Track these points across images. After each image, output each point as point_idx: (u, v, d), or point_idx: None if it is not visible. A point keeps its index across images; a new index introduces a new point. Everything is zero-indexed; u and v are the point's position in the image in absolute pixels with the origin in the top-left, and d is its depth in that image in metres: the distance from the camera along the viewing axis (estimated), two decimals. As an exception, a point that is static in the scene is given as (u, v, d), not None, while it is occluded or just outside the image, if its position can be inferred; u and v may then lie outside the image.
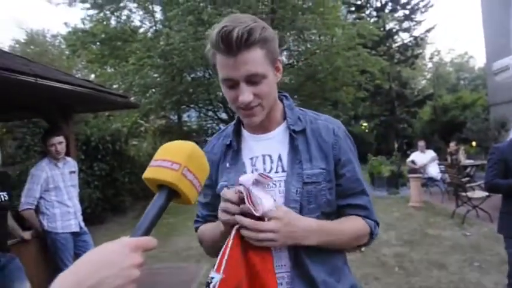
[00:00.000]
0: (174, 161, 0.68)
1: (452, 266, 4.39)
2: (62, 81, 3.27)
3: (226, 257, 0.90)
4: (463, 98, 20.00)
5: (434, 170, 9.13)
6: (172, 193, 0.68)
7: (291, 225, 0.95)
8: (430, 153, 9.47)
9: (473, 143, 13.98)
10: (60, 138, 3.42)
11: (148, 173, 0.69)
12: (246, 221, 0.92)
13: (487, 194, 6.68)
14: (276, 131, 1.11)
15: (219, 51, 0.96)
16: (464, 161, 9.77)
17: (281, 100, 1.15)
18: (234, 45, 0.92)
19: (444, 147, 12.65)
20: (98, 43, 14.75)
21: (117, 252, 0.58)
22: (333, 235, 1.03)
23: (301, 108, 1.18)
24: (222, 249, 0.92)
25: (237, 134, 1.15)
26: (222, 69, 0.98)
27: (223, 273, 0.89)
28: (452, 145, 10.07)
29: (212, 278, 0.89)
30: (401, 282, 4.01)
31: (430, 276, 4.14)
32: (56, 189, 3.39)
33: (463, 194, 6.79)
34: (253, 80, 0.97)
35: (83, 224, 3.56)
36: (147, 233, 0.63)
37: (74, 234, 3.45)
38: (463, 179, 7.29)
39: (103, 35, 14.35)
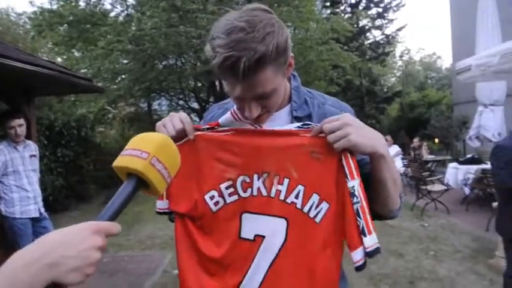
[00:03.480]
0: (143, 150, 0.68)
1: (409, 255, 4.60)
2: (24, 61, 3.14)
3: None
4: (429, 96, 20.76)
5: (397, 165, 9.47)
6: (141, 183, 0.68)
7: (358, 121, 0.88)
8: (395, 148, 9.81)
9: (436, 140, 14.57)
10: (21, 121, 3.30)
11: (118, 162, 0.69)
12: (326, 125, 0.87)
13: (445, 187, 7.03)
14: (279, 114, 1.04)
15: (227, 77, 0.89)
16: (426, 156, 10.18)
17: (288, 80, 1.07)
18: (239, 75, 0.83)
19: (409, 142, 13.11)
20: (65, 25, 14.16)
21: (79, 233, 0.58)
22: (389, 164, 0.91)
23: (310, 90, 1.12)
24: None
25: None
26: (228, 87, 0.92)
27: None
28: (416, 141, 10.47)
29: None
30: (361, 270, 4.16)
31: (387, 264, 4.31)
32: (15, 173, 3.28)
33: (423, 187, 7.09)
34: (261, 97, 0.91)
35: (43, 210, 3.47)
36: (112, 219, 0.64)
37: (34, 220, 3.36)
38: (424, 173, 7.60)
39: (71, 17, 13.78)
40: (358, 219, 0.84)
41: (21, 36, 17.93)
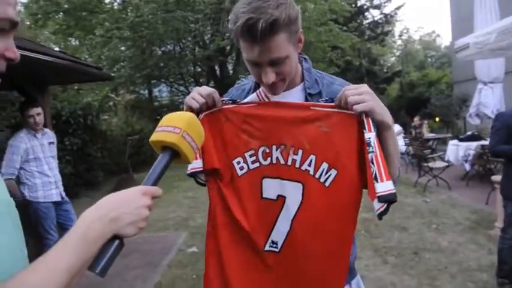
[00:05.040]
0: (176, 126, 0.81)
1: (412, 229, 4.80)
2: (38, 52, 3.25)
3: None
4: (429, 75, 20.78)
5: (399, 143, 9.64)
6: (173, 153, 0.82)
7: (373, 93, 1.01)
8: (396, 127, 9.94)
9: (437, 119, 14.68)
10: (39, 110, 3.43)
11: (154, 137, 0.82)
12: (348, 92, 1.00)
13: (446, 164, 7.20)
14: (293, 91, 1.18)
15: (244, 40, 1.02)
16: (427, 134, 10.32)
17: (300, 62, 1.21)
18: (258, 36, 0.98)
19: (410, 122, 13.24)
20: (61, 13, 14.08)
21: (131, 195, 0.73)
22: (393, 134, 1.06)
23: (319, 71, 1.25)
24: None
25: (256, 89, 1.23)
26: (246, 52, 1.05)
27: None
28: (416, 120, 10.59)
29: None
30: (366, 243, 4.36)
31: (392, 237, 4.52)
32: (36, 160, 3.42)
33: (425, 164, 7.26)
34: (276, 62, 1.04)
35: (64, 194, 3.63)
36: (154, 184, 0.78)
37: (56, 204, 3.52)
38: (425, 151, 7.77)
39: (66, 5, 13.69)
40: (372, 165, 0.96)
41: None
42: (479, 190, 6.27)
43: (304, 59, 1.24)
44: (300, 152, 1.07)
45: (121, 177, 9.29)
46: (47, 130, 3.64)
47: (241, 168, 1.13)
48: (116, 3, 14.54)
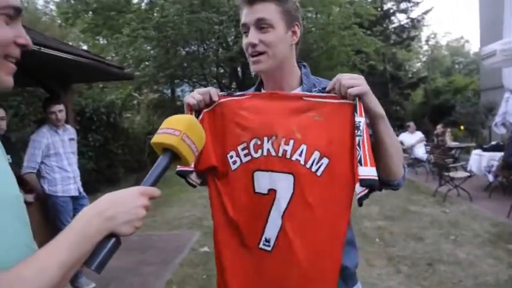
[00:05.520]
0: (175, 129, 0.84)
1: (428, 239, 4.69)
2: (62, 51, 3.36)
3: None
4: (456, 81, 20.24)
5: (420, 151, 9.43)
6: (174, 156, 0.84)
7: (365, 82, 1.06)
8: (418, 135, 9.75)
9: (462, 127, 14.29)
10: (61, 107, 3.54)
11: (155, 139, 0.85)
12: (344, 75, 1.05)
13: (468, 174, 7.00)
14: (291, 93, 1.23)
15: (241, 3, 1.15)
16: (450, 142, 10.06)
17: (299, 68, 1.27)
18: None
19: (433, 129, 12.94)
20: (90, 12, 14.49)
21: (129, 195, 0.74)
22: (389, 127, 1.08)
23: (317, 78, 1.29)
24: None
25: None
26: (242, 18, 1.15)
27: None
28: (439, 127, 10.35)
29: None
30: (380, 251, 4.29)
31: (407, 247, 4.43)
32: (56, 155, 3.54)
33: (446, 173, 7.08)
34: (261, 25, 1.11)
35: (81, 189, 3.74)
36: (153, 185, 0.80)
37: (73, 198, 3.63)
38: (447, 160, 7.57)
39: (96, 4, 14.08)
40: (358, 149, 0.98)
41: (48, 24, 18.43)
42: (502, 202, 6.06)
43: (303, 65, 1.28)
44: (291, 142, 1.07)
45: (141, 174, 9.47)
46: (68, 126, 3.75)
47: (234, 162, 1.13)
48: (143, 4, 14.84)
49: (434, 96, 19.79)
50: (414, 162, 9.55)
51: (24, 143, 3.56)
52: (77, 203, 3.67)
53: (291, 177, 1.07)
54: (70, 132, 3.74)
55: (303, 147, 1.06)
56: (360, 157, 0.97)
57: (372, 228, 5.15)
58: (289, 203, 1.06)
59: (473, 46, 40.61)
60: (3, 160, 0.74)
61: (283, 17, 1.13)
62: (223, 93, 1.18)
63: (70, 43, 17.59)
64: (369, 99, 1.02)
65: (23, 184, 3.48)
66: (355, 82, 1.02)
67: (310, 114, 1.06)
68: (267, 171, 1.09)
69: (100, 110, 8.73)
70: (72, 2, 14.21)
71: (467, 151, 9.75)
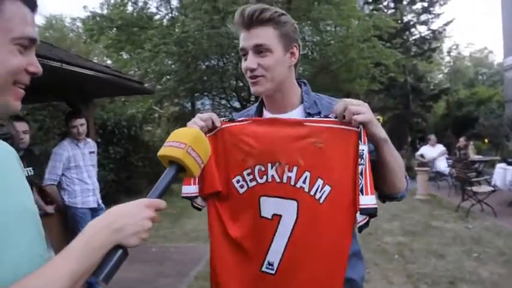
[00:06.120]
0: (181, 142, 0.86)
1: (450, 256, 4.54)
2: (84, 67, 3.50)
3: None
4: (479, 93, 19.75)
5: (442, 165, 9.20)
6: (180, 168, 0.86)
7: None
8: (440, 148, 9.53)
9: (485, 140, 13.89)
10: (82, 121, 3.65)
11: (161, 152, 0.87)
12: (350, 101, 1.06)
13: (492, 188, 6.78)
14: (293, 112, 1.24)
15: (238, 27, 1.16)
16: (473, 156, 9.78)
17: (299, 86, 1.29)
18: (247, 19, 1.11)
19: (455, 142, 12.63)
20: (114, 29, 14.97)
21: (135, 207, 0.77)
22: (391, 148, 1.10)
23: (318, 94, 1.31)
24: None
25: (259, 113, 1.32)
26: (240, 41, 1.17)
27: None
28: (462, 140, 10.10)
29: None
30: (399, 268, 4.18)
31: (427, 264, 4.30)
32: (77, 168, 3.64)
33: (469, 188, 6.87)
34: (259, 50, 1.13)
35: (100, 201, 3.82)
36: (159, 197, 0.82)
37: (92, 210, 3.71)
38: (470, 174, 7.35)
39: (120, 21, 14.54)
40: (360, 178, 1.00)
41: (74, 41, 19.11)
42: (529, 218, 5.84)
43: (303, 82, 1.30)
44: (295, 169, 1.08)
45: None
46: (89, 140, 3.86)
47: (242, 187, 1.16)
48: (165, 20, 15.23)
49: (457, 108, 19.36)
50: (436, 176, 9.33)
51: (47, 156, 3.68)
52: (95, 215, 3.74)
53: (294, 204, 1.09)
54: (91, 145, 3.85)
55: (307, 174, 1.08)
56: (362, 186, 0.99)
57: (391, 244, 5.04)
58: (293, 228, 1.08)
59: (497, 57, 39.65)
60: (19, 175, 0.77)
61: (281, 40, 1.15)
62: (224, 118, 1.20)
63: (95, 58, 18.25)
64: (373, 126, 1.04)
65: (44, 196, 3.59)
66: (360, 109, 1.03)
67: (312, 140, 1.08)
68: (272, 196, 1.12)
69: (121, 123, 8.95)
70: (98, 19, 14.67)
71: (492, 165, 9.45)
